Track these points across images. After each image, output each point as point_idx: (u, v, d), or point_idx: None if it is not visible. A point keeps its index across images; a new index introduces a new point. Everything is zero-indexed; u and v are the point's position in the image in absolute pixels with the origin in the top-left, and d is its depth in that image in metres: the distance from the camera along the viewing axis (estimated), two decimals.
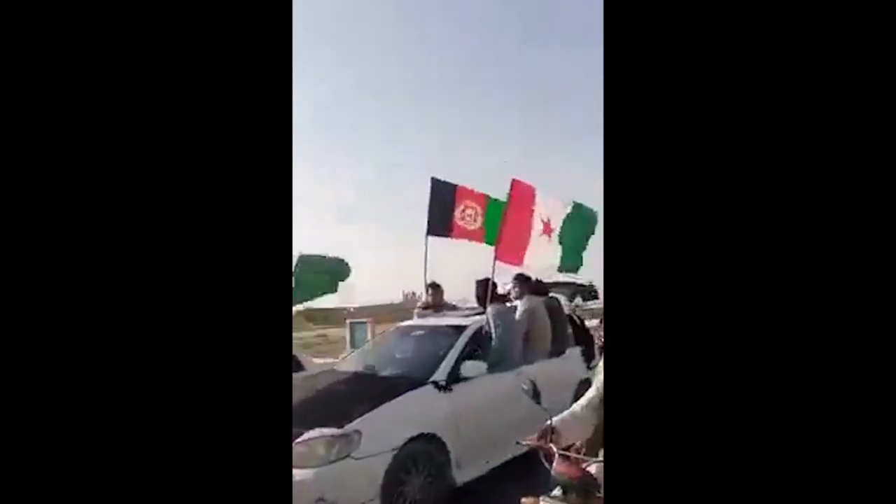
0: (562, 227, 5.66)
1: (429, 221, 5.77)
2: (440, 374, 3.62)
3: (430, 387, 3.51)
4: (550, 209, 5.58)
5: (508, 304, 4.57)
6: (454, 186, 5.99)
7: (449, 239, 5.90)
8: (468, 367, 3.66)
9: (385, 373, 3.97)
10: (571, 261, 5.74)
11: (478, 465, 3.54)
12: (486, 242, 5.80)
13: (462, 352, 3.83)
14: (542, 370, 3.96)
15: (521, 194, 5.41)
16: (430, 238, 5.77)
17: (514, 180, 5.29)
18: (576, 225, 5.78)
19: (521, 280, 4.88)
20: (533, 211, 5.45)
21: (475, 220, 6.09)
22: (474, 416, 3.56)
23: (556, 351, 4.53)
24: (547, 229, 5.52)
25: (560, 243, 5.66)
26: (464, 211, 6.05)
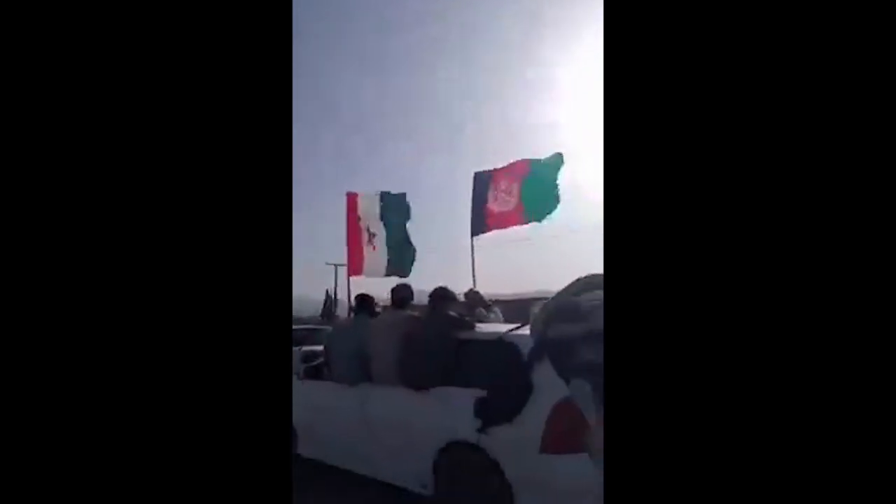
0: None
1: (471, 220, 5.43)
2: None
3: None
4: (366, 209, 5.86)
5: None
6: (491, 173, 5.50)
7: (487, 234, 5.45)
8: None
9: None
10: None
11: None
12: (528, 220, 5.31)
13: None
14: None
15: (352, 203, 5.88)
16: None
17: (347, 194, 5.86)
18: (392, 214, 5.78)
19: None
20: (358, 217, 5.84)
21: (510, 197, 5.39)
22: None
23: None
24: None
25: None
26: (497, 192, 5.46)
